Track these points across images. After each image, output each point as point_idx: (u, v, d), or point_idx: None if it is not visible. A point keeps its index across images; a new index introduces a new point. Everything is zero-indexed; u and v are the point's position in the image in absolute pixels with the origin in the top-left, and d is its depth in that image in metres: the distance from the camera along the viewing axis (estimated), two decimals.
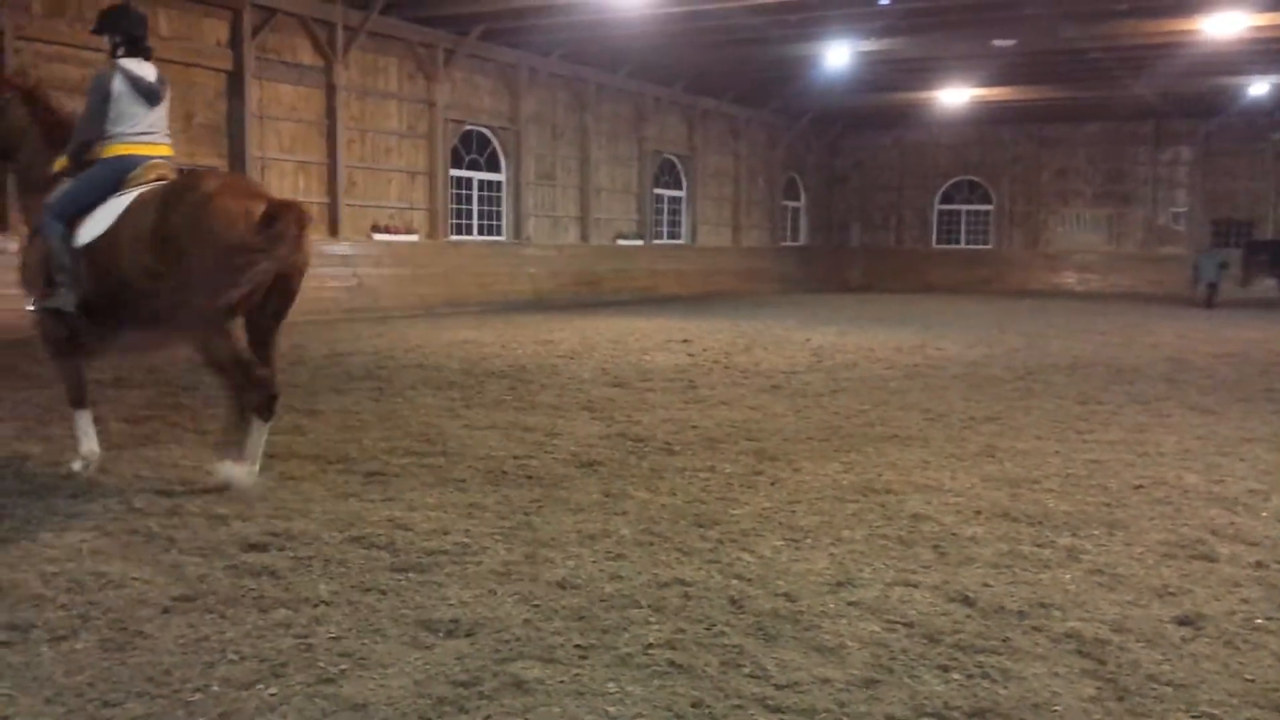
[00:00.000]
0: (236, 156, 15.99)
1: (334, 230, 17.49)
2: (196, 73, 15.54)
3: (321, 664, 3.19)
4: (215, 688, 3.00)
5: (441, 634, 3.44)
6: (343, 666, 3.17)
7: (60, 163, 5.54)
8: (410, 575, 4.01)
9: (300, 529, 4.59)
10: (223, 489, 5.14)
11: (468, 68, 19.87)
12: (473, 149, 20.59)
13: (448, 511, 4.94)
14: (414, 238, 18.96)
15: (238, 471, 5.14)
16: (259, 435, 5.27)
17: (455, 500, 5.16)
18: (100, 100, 5.42)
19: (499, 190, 21.15)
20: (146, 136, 5.54)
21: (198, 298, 4.93)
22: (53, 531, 4.48)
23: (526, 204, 21.37)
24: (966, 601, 3.82)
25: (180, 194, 5.17)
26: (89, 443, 5.55)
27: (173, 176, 5.56)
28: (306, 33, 16.98)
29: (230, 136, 15.99)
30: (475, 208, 20.69)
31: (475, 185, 20.66)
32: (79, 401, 5.59)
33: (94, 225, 5.30)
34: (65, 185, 5.49)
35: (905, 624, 3.59)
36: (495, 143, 20.96)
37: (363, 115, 18.04)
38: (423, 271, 18.72)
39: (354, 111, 17.83)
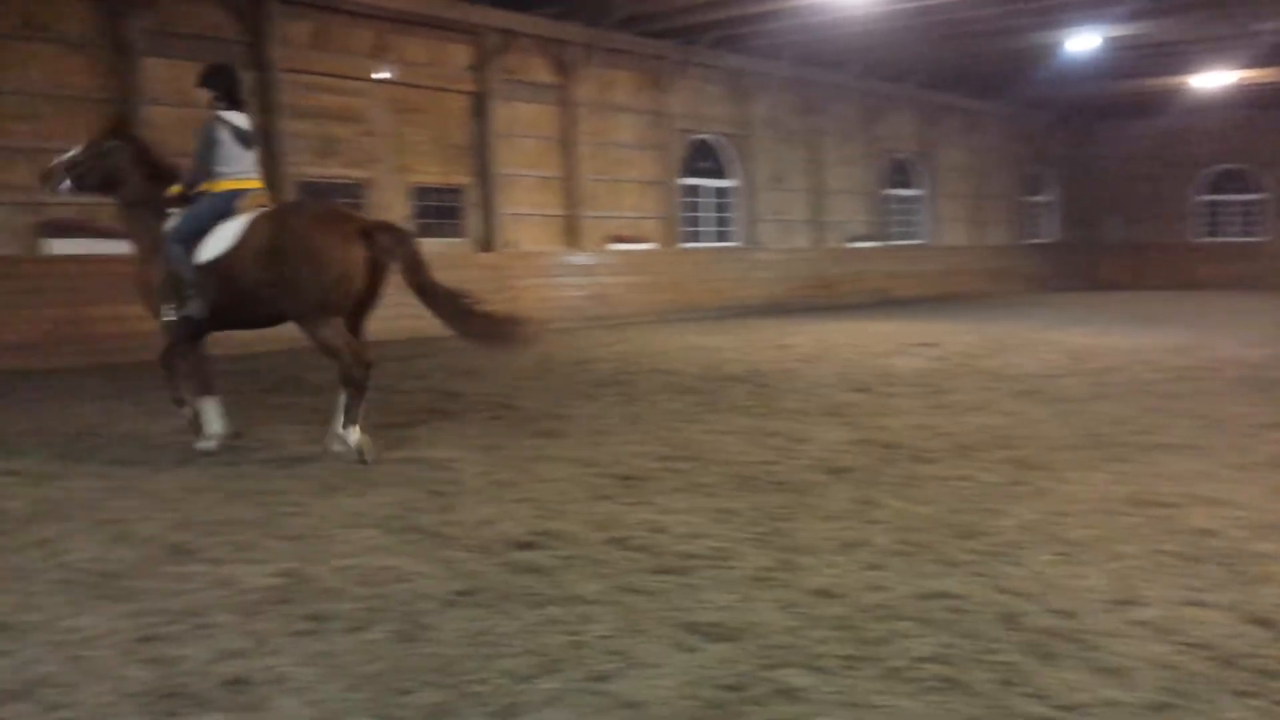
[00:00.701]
0: (482, 174, 16.79)
1: (574, 241, 18.05)
2: (445, 96, 16.42)
3: (593, 661, 3.28)
4: (497, 680, 3.14)
5: (706, 637, 3.47)
6: (614, 665, 3.25)
7: (174, 190, 6.68)
8: (670, 577, 4.07)
9: (562, 529, 4.76)
10: (359, 457, 6.26)
11: (697, 77, 20.07)
12: (704, 156, 20.78)
13: (699, 516, 4.99)
14: (649, 246, 19.32)
15: (352, 444, 6.33)
16: (342, 404, 6.44)
17: (706, 505, 5.20)
18: (208, 145, 6.54)
19: (730, 196, 21.25)
20: (245, 174, 6.69)
21: (308, 302, 6.31)
22: (342, 528, 4.83)
23: (757, 209, 21.38)
24: (1264, 624, 3.52)
25: (289, 220, 6.47)
26: (217, 425, 6.73)
27: (268, 205, 6.76)
28: (543, 53, 17.62)
29: (476, 155, 16.80)
30: (707, 215, 20.87)
31: (706, 193, 20.84)
32: (207, 391, 6.78)
33: (213, 246, 6.47)
34: (182, 215, 6.61)
35: (1197, 646, 3.34)
36: (726, 149, 21.08)
37: (598, 129, 18.54)
38: (657, 279, 19.04)
39: (590, 126, 18.35)
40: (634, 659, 3.30)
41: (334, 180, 15.19)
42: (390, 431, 7.31)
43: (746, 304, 19.92)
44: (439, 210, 16.52)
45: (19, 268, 12.15)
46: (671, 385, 9.61)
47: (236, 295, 6.49)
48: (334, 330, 6.41)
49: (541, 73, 17.69)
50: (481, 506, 5.19)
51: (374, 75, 15.44)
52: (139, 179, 6.78)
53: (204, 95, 6.74)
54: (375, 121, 15.61)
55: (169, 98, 13.35)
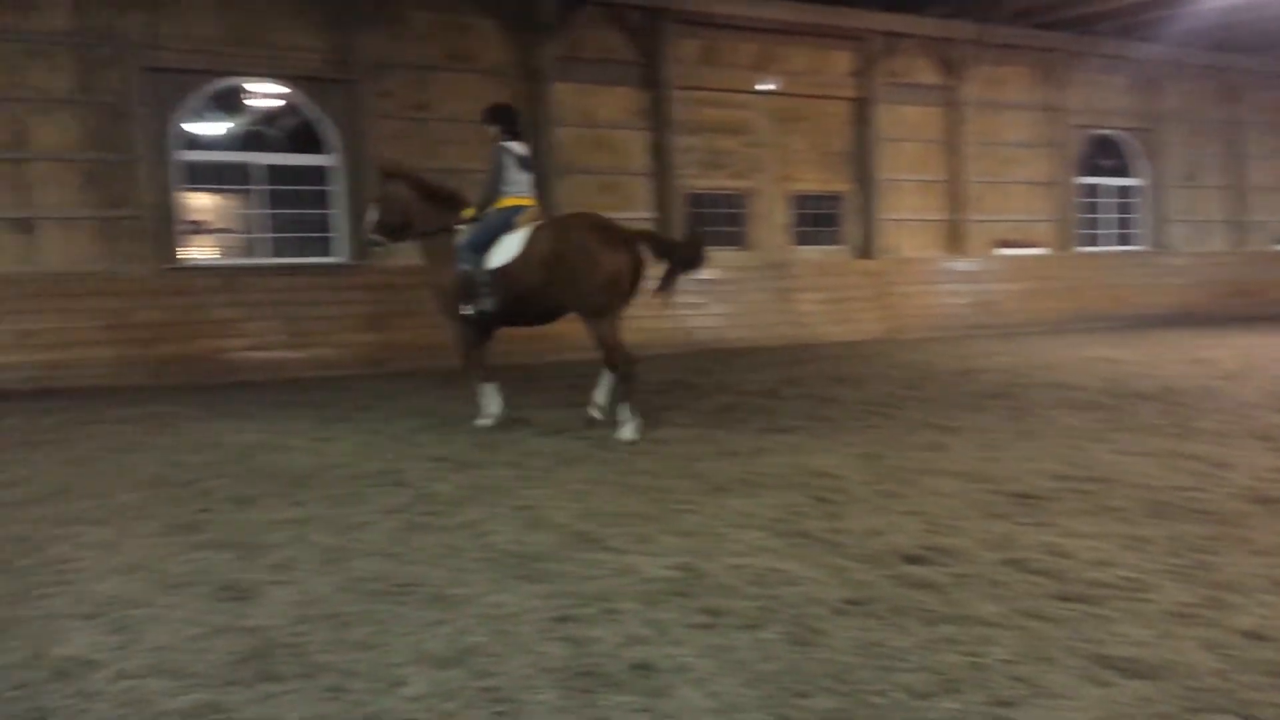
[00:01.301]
0: (862, 180, 16.65)
1: (957, 246, 17.45)
2: (826, 104, 16.45)
3: (995, 685, 3.14)
4: (895, 694, 3.09)
5: (1121, 672, 3.22)
6: (1018, 691, 3.09)
7: (469, 212, 8.04)
8: (1077, 606, 3.81)
9: (954, 545, 4.59)
10: (631, 442, 7.23)
11: (1096, 69, 18.71)
12: (1104, 154, 19.33)
13: (1108, 542, 4.63)
14: (1040, 250, 18.27)
15: (629, 432, 7.38)
16: (610, 386, 7.79)
17: (1115, 531, 4.82)
18: (497, 170, 7.90)
19: (1135, 196, 19.62)
20: (523, 193, 7.97)
21: (585, 300, 7.55)
22: (732, 528, 4.96)
23: (1167, 209, 19.58)
24: None
25: (568, 230, 7.68)
26: (494, 406, 8.17)
27: (542, 219, 8.04)
28: (929, 53, 17.18)
29: (857, 161, 16.68)
30: (1107, 216, 19.40)
31: (1106, 192, 19.38)
32: (488, 378, 8.18)
33: (501, 254, 7.77)
34: (473, 228, 7.93)
35: None
36: (1129, 145, 19.49)
37: (984, 129, 17.80)
38: (1049, 285, 17.95)
39: (976, 126, 17.65)
40: (1040, 687, 3.12)
41: (719, 192, 15.68)
42: (772, 437, 7.42)
43: (1152, 313, 18.30)
44: (818, 218, 16.58)
45: None
46: (1069, 400, 9.02)
47: (521, 295, 7.77)
48: (608, 325, 7.63)
49: (926, 74, 17.26)
50: (869, 516, 5.13)
51: (758, 87, 15.77)
52: (426, 206, 8.20)
53: (491, 130, 8.04)
54: (758, 132, 15.93)
55: (574, 119, 14.39)
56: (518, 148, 7.99)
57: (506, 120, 8.07)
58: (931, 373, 11.12)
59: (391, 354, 12.72)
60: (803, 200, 16.43)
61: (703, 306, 14.95)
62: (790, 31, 15.86)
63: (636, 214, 14.95)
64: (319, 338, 12.53)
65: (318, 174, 13.16)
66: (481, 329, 8.12)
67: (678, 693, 3.12)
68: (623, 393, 7.60)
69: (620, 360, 7.64)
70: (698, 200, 15.45)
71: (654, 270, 7.72)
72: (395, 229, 8.35)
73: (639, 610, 3.84)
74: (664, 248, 7.89)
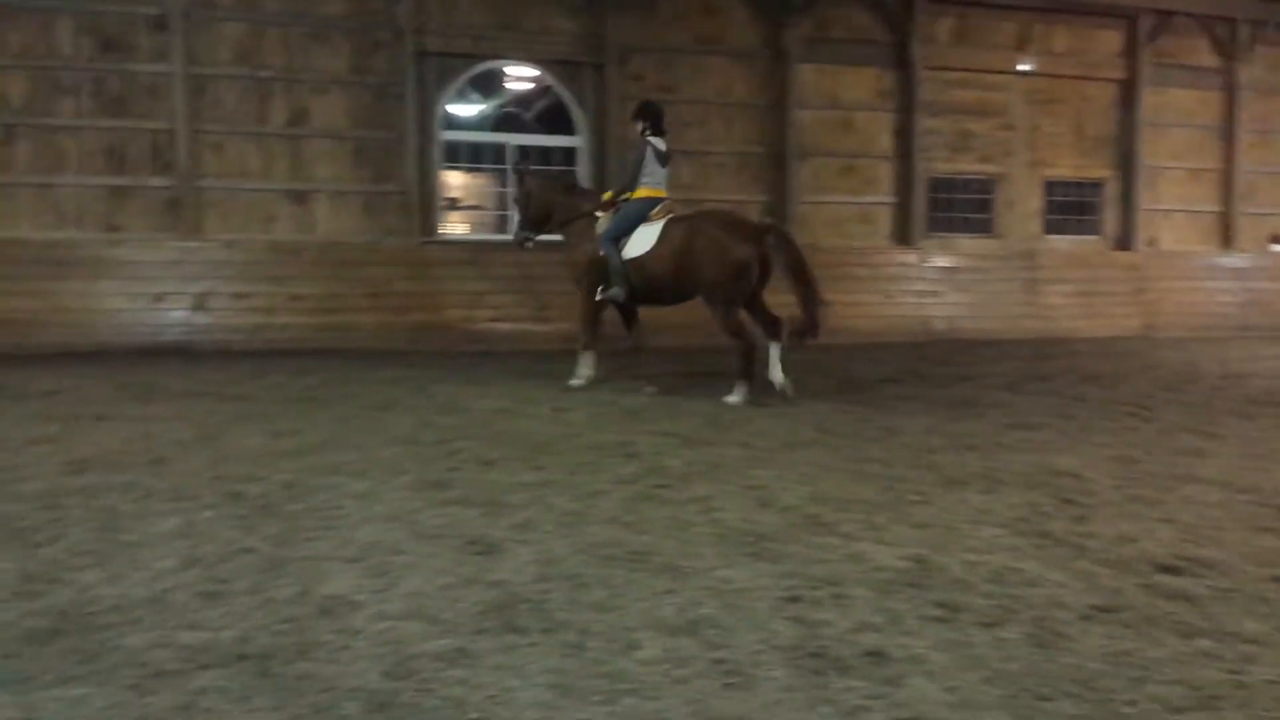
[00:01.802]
0: (1124, 167, 15.65)
1: (1227, 240, 16.15)
2: (1088, 85, 15.54)
3: (1259, 705, 2.92)
4: (1146, 704, 2.92)
5: None
6: None
7: (607, 196, 8.93)
8: None
9: (1214, 558, 4.28)
10: (735, 407, 8.03)
11: None
12: None
13: None
14: None
15: (737, 398, 8.18)
16: (776, 355, 8.43)
17: None
18: (638, 162, 8.65)
19: None
20: (659, 185, 8.68)
21: (714, 288, 8.28)
22: (968, 524, 4.81)
23: None
24: None
25: (700, 225, 8.34)
26: (588, 371, 9.06)
27: (676, 211, 8.66)
28: (1205, 33, 15.92)
29: (1119, 146, 15.70)
30: None
31: None
32: (590, 347, 9.08)
33: (637, 244, 8.52)
34: (612, 218, 8.68)
35: None
36: None
37: (1266, 115, 16.34)
38: None
39: (1255, 112, 16.24)
40: None
41: (965, 176, 15.14)
42: (1014, 433, 7.13)
43: None
44: (1072, 205, 15.72)
45: None
46: None
47: (653, 282, 8.54)
48: (733, 311, 8.35)
49: (1201, 55, 16.02)
50: (1119, 521, 4.86)
51: (1019, 67, 15.08)
52: (562, 199, 9.22)
53: (639, 125, 8.79)
54: (1011, 115, 15.26)
55: (817, 101, 14.24)
56: (660, 143, 8.71)
57: (653, 117, 8.77)
58: (1193, 375, 10.38)
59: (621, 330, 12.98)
60: (1056, 187, 15.63)
61: (941, 295, 14.51)
62: (1053, 10, 15.08)
63: (877, 198, 14.67)
64: (560, 312, 12.95)
65: (565, 155, 13.59)
66: (616, 306, 9.03)
67: (911, 683, 3.06)
68: (741, 370, 8.29)
69: (742, 350, 8.29)
70: (941, 184, 14.97)
71: (778, 261, 8.29)
72: (538, 223, 9.37)
73: (870, 598, 3.79)
74: (783, 243, 8.35)
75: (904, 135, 14.61)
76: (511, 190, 13.39)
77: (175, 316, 11.67)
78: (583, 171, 13.43)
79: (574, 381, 9.02)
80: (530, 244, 9.57)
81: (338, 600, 3.70)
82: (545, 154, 13.48)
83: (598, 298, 8.83)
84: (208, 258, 11.90)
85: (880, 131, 14.62)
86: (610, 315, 9.28)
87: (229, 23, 11.96)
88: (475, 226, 14.29)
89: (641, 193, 8.65)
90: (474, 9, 12.76)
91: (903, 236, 14.72)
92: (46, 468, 5.75)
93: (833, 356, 11.52)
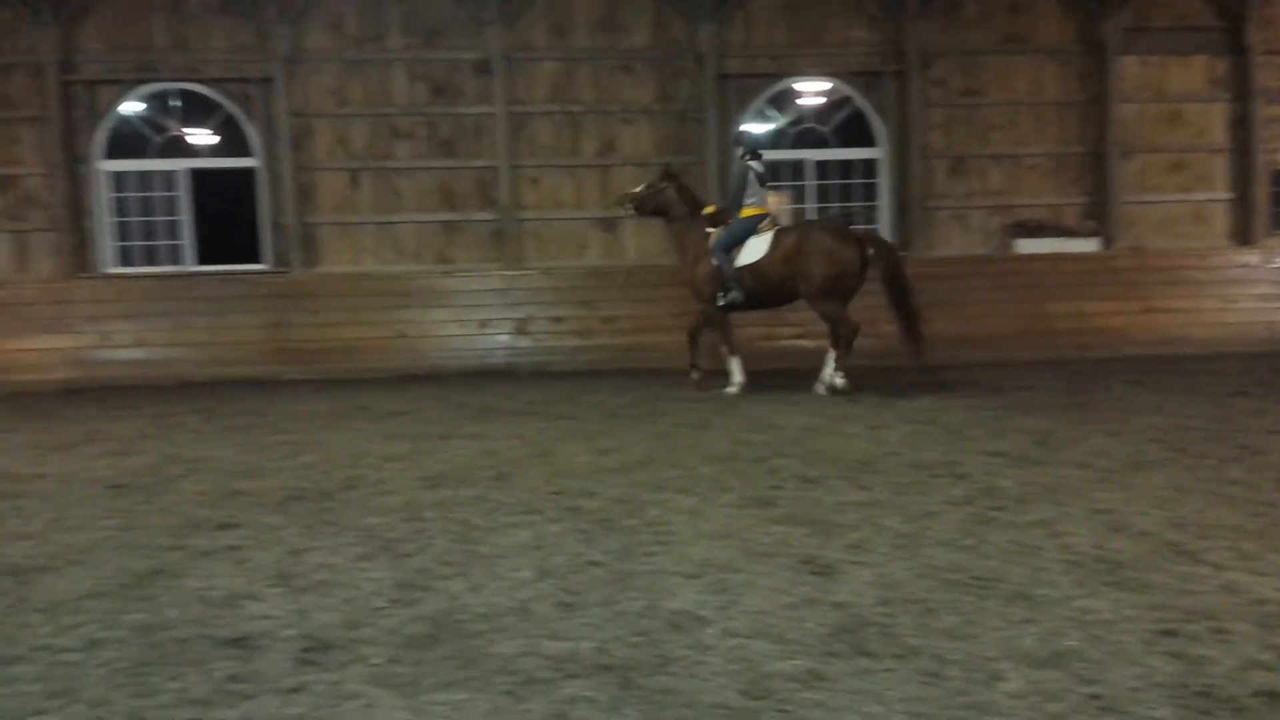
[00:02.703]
0: None
1: None
2: None
3: None
4: None
5: None
6: None
7: (710, 209, 10.13)
8: None
9: None
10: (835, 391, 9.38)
11: None
12: None
13: None
14: None
15: (827, 379, 9.55)
16: (840, 358, 9.55)
17: None
18: (742, 184, 9.78)
19: None
20: (762, 203, 9.81)
21: (821, 289, 9.44)
22: None
23: None
24: None
25: (809, 234, 9.54)
26: (739, 376, 9.95)
27: (777, 225, 9.86)
28: None
29: None
30: None
31: None
32: (733, 351, 10.02)
33: (750, 253, 9.64)
34: (722, 232, 9.79)
35: None
36: None
37: None
38: None
39: None
40: None
41: None
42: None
43: None
44: None
45: (990, 265, 13.17)
46: None
47: (766, 286, 9.63)
48: (836, 307, 9.53)
49: None
50: None
51: None
52: (682, 208, 10.14)
53: (739, 150, 10.00)
54: None
55: (1140, 94, 13.30)
56: (759, 166, 9.83)
57: (750, 145, 10.01)
58: None
59: (930, 345, 12.60)
60: None
61: None
62: None
63: (1212, 194, 13.50)
64: (863, 327, 12.76)
65: (866, 167, 13.38)
66: (728, 312, 10.00)
67: None
68: (840, 357, 9.54)
69: (846, 331, 9.52)
70: None
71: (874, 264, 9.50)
72: (648, 210, 10.38)
73: (1255, 633, 3.44)
74: (881, 248, 9.66)
75: (1241, 126, 13.35)
76: (803, 204, 13.45)
77: (500, 340, 12.44)
78: (884, 183, 13.18)
79: (729, 390, 9.88)
80: (628, 214, 10.67)
81: (684, 615, 3.78)
82: (845, 167, 13.34)
83: (720, 304, 9.83)
84: (528, 285, 12.62)
85: (1213, 123, 13.44)
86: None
87: (544, 62, 12.68)
88: None
89: (747, 211, 9.76)
90: (773, 29, 12.86)
91: (1243, 235, 13.43)
92: (404, 482, 6.26)
93: (1170, 368, 10.66)
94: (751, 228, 9.74)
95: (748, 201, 9.74)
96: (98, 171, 12.42)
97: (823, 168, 13.35)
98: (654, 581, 4.20)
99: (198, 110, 12.71)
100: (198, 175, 12.74)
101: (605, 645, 3.51)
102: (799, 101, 13.38)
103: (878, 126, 13.23)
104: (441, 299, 12.59)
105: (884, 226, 13.27)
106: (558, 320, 12.54)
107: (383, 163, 12.62)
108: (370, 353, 12.35)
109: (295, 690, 3.21)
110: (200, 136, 12.92)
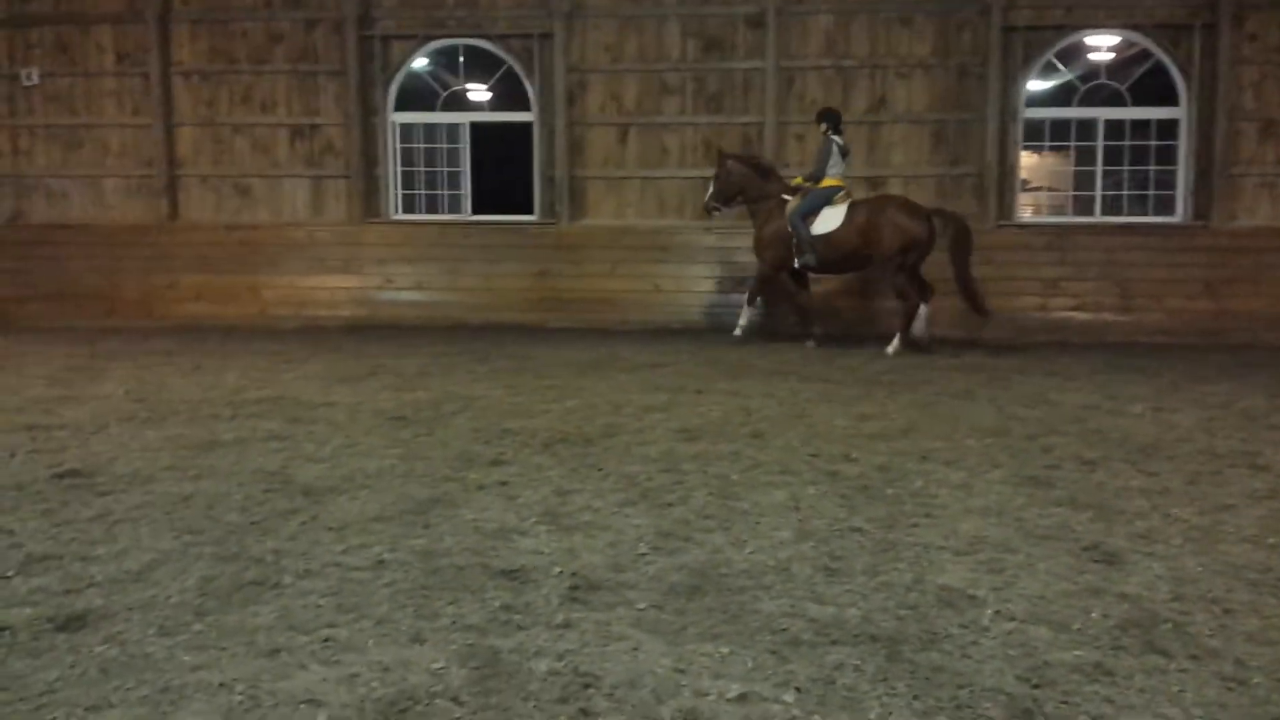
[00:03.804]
0: None
1: None
2: None
3: None
4: None
5: None
6: None
7: (798, 181, 10.71)
8: None
9: None
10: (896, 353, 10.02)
11: None
12: None
13: None
14: None
15: (895, 347, 10.18)
16: (922, 320, 10.43)
17: None
18: (825, 155, 10.44)
19: None
20: (840, 175, 10.52)
21: (891, 258, 10.22)
22: None
23: None
24: None
25: (881, 207, 10.30)
26: (745, 321, 11.03)
27: (852, 197, 10.57)
28: None
29: None
30: None
31: None
32: (752, 304, 11.10)
33: (824, 223, 10.39)
34: (802, 200, 10.51)
35: None
36: None
37: None
38: None
39: None
40: None
41: None
42: None
43: None
44: None
45: None
46: None
47: (838, 253, 10.41)
48: (902, 277, 10.30)
49: None
50: None
51: None
52: (754, 180, 10.89)
53: (822, 126, 10.62)
54: None
55: None
56: (840, 140, 10.54)
57: (833, 120, 10.59)
58: None
59: (1230, 324, 11.60)
60: None
61: None
62: None
63: None
64: (1149, 302, 11.89)
65: (1152, 128, 12.34)
66: (796, 275, 10.96)
67: None
68: (905, 324, 10.35)
69: (908, 307, 10.32)
70: None
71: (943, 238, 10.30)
72: (729, 198, 11.00)
73: None
74: (948, 220, 10.38)
75: None
76: (1073, 167, 12.56)
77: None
78: (1183, 146, 12.11)
79: (736, 332, 10.98)
80: (718, 212, 11.27)
81: (956, 593, 3.62)
82: (1141, 128, 12.34)
83: (796, 264, 10.64)
84: None
85: None
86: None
87: (818, 15, 12.38)
88: (1051, 208, 13.48)
89: (827, 182, 10.49)
90: None
91: None
92: (662, 433, 6.34)
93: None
94: (829, 198, 10.46)
95: (830, 173, 10.49)
96: (388, 123, 13.19)
97: (1115, 128, 12.39)
98: (921, 554, 4.05)
99: (479, 66, 13.24)
100: (476, 128, 13.31)
101: (870, 614, 3.41)
102: (1090, 56, 12.47)
103: (1179, 84, 12.15)
104: (698, 255, 12.64)
105: (1180, 192, 12.22)
106: (816, 280, 12.33)
107: (651, 118, 12.73)
108: (628, 305, 12.59)
109: (565, 626, 3.29)
110: (480, 91, 13.48)
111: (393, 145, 13.25)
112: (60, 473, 5.28)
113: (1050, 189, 14.28)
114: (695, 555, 4.01)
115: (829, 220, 10.42)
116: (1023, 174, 12.79)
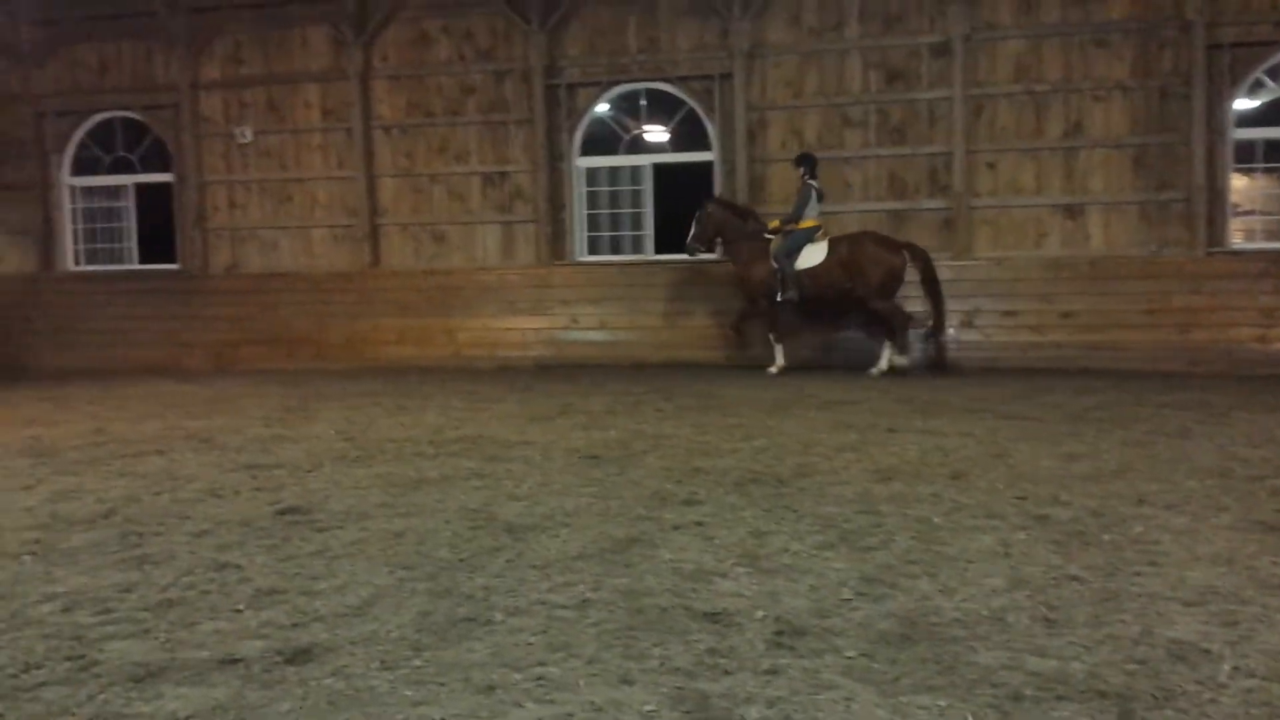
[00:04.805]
0: None
1: None
2: None
3: None
4: None
5: None
6: None
7: (774, 224, 11.66)
8: None
9: None
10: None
11: None
12: None
13: None
14: None
15: (884, 364, 11.24)
16: (898, 343, 11.31)
17: None
18: (805, 199, 11.44)
19: None
20: (816, 216, 11.49)
21: (872, 289, 11.14)
22: None
23: None
24: None
25: (860, 243, 11.24)
26: (780, 360, 11.72)
27: (829, 235, 11.50)
28: None
29: None
30: None
31: None
32: (780, 339, 11.76)
33: (809, 258, 11.32)
34: (784, 240, 11.45)
35: None
36: None
37: None
38: None
39: None
40: None
41: None
42: None
43: None
44: None
45: None
46: None
47: (823, 285, 11.24)
48: (887, 302, 11.12)
49: None
50: None
51: None
52: (733, 222, 11.74)
53: (800, 170, 11.51)
54: None
55: None
56: (816, 184, 11.45)
57: (809, 165, 11.47)
58: None
59: None
60: None
61: None
62: None
63: None
64: None
65: None
66: (789, 309, 11.65)
67: None
68: (898, 345, 11.18)
69: (900, 321, 11.19)
70: None
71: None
72: (709, 240, 11.88)
73: None
74: (916, 253, 11.21)
75: None
76: None
77: (945, 334, 12.03)
78: None
79: (771, 370, 11.62)
80: (700, 254, 12.03)
81: (1188, 646, 3.38)
82: None
83: (779, 299, 11.42)
84: (975, 276, 12.10)
85: None
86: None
87: (1008, 40, 12.05)
88: (1263, 234, 12.62)
89: (806, 223, 11.42)
90: None
91: None
92: (856, 473, 6.21)
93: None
94: (810, 237, 11.39)
95: (807, 215, 11.42)
96: (574, 167, 13.54)
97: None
98: (1147, 605, 3.81)
99: (659, 108, 13.46)
100: (658, 169, 13.51)
101: (1097, 669, 3.22)
102: None
103: None
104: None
105: None
106: (1009, 314, 11.92)
107: (833, 152, 12.63)
108: (812, 342, 12.46)
109: (772, 672, 3.25)
110: (660, 132, 13.70)
111: (578, 189, 13.59)
112: (281, 509, 5.59)
113: (1265, 213, 13.37)
114: (902, 602, 3.89)
115: (812, 256, 11.32)
116: (1234, 197, 12.04)
